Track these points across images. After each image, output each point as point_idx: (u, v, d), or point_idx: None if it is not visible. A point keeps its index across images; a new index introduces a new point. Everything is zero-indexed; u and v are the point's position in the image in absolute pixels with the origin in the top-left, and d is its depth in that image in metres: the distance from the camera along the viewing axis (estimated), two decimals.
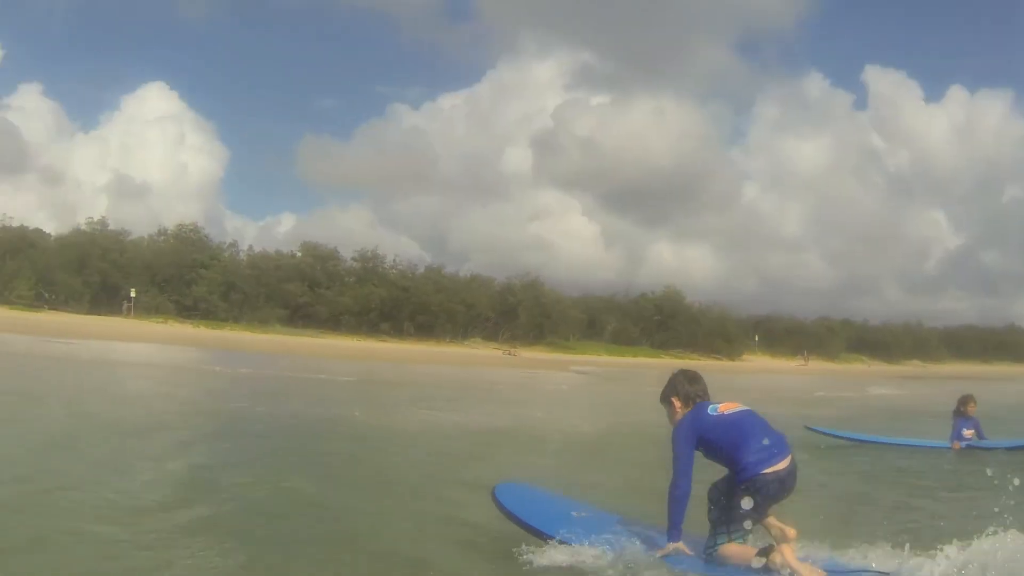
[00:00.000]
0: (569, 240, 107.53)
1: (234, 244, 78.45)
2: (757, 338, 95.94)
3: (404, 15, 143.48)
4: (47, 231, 74.33)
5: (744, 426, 4.83)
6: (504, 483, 5.84)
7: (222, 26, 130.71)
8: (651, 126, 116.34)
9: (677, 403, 5.06)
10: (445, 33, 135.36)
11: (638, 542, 4.99)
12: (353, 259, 75.56)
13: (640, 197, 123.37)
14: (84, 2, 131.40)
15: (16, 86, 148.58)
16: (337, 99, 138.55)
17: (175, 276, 69.57)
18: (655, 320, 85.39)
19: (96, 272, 68.71)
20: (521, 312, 76.13)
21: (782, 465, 4.67)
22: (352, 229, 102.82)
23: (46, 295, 67.79)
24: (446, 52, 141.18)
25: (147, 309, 68.09)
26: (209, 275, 69.55)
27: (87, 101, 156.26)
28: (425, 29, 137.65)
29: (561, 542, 4.96)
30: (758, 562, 4.52)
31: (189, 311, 69.11)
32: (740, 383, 39.31)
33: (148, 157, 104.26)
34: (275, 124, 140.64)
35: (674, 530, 4.78)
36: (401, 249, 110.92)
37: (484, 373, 40.76)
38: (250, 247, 79.36)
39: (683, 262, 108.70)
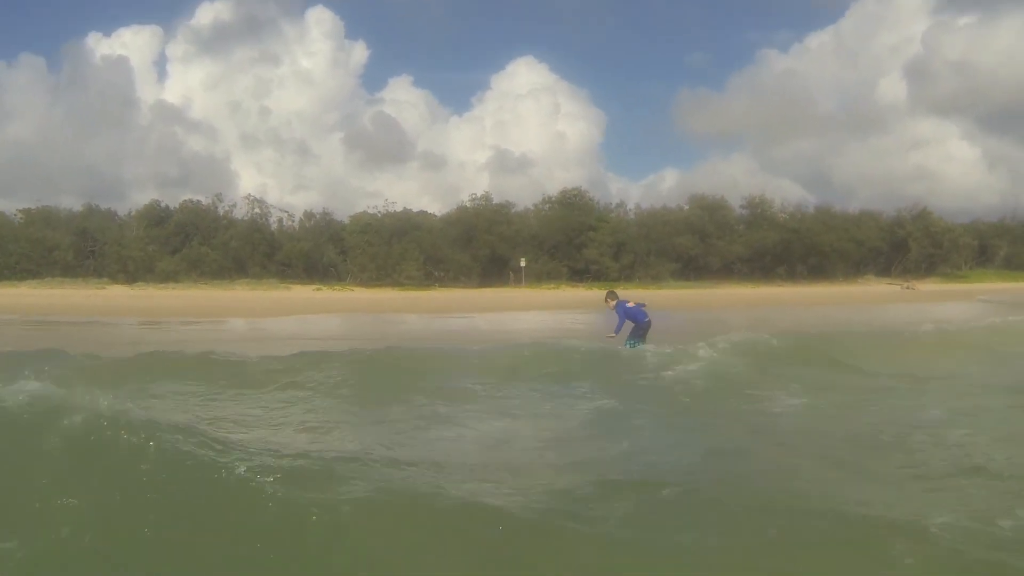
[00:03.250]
0: (951, 166, 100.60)
1: (622, 204, 76.96)
2: None
3: None
4: (432, 212, 75.04)
5: (639, 310, 14.55)
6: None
7: None
8: (1023, 41, 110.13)
9: (611, 300, 14.69)
10: None
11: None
12: (741, 207, 73.12)
13: (1020, 116, 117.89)
14: None
15: (386, 81, 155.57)
16: (707, 52, 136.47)
17: (564, 241, 68.21)
18: None
19: (484, 245, 68.31)
20: (912, 244, 72.36)
21: (648, 319, 14.55)
22: (736, 178, 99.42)
23: (436, 273, 68.09)
24: None
25: (538, 276, 67.25)
26: (598, 237, 67.81)
27: (457, 85, 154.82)
28: None
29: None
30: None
31: (581, 274, 67.86)
32: None
33: (525, 130, 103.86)
34: (649, 83, 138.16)
35: (616, 332, 14.21)
36: (785, 192, 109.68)
37: (900, 311, 36.22)
38: (637, 205, 77.60)
39: None
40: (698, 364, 11.27)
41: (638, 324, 14.45)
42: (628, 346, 14.02)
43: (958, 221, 77.24)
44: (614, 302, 14.60)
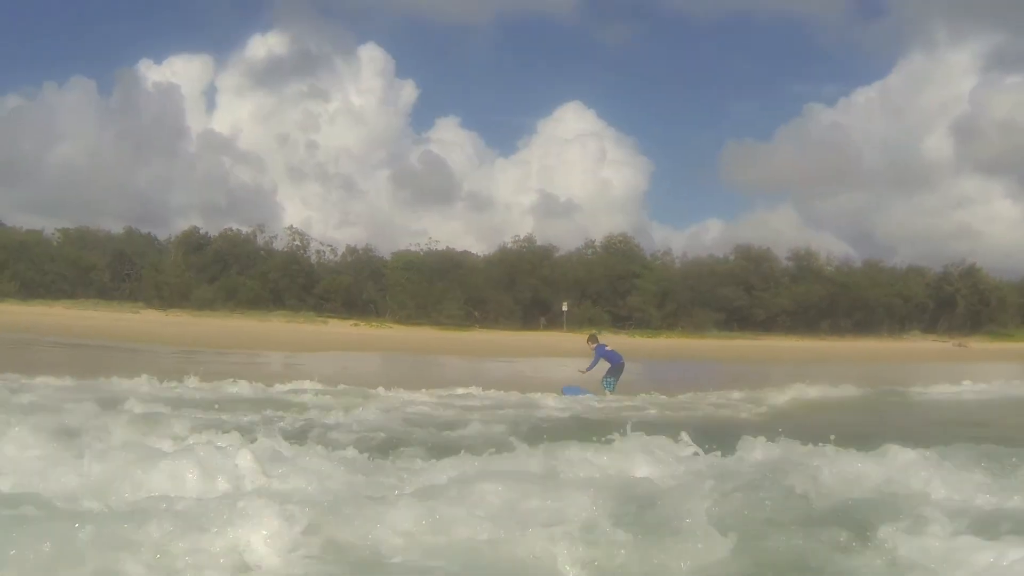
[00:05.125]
0: (995, 225, 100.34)
1: (667, 252, 76.84)
2: None
3: (815, 19, 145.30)
4: (475, 252, 74.76)
5: (616, 353, 17.53)
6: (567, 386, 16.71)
7: (635, 44, 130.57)
8: None
9: (592, 343, 17.74)
10: (856, 32, 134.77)
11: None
12: (787, 259, 72.94)
13: None
14: (493, 40, 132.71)
15: (434, 121, 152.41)
16: (755, 103, 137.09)
17: (607, 287, 67.87)
18: None
19: (526, 288, 67.85)
20: (959, 301, 71.70)
21: (622, 361, 17.43)
22: (780, 230, 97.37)
23: (476, 313, 67.45)
24: (857, 48, 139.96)
25: (579, 321, 66.56)
26: (642, 284, 67.47)
27: (504, 128, 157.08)
28: (835, 30, 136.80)
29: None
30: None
31: (623, 321, 67.24)
32: None
33: (570, 175, 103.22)
34: (695, 133, 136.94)
35: (587, 370, 17.21)
36: (828, 246, 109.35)
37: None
38: (684, 254, 77.29)
39: None
40: None
41: (613, 364, 17.25)
42: (604, 384, 16.82)
43: (1006, 279, 76.50)
44: (594, 345, 17.72)
